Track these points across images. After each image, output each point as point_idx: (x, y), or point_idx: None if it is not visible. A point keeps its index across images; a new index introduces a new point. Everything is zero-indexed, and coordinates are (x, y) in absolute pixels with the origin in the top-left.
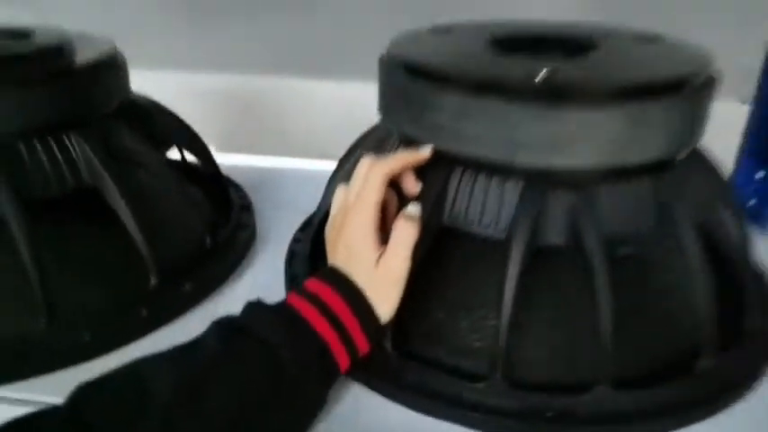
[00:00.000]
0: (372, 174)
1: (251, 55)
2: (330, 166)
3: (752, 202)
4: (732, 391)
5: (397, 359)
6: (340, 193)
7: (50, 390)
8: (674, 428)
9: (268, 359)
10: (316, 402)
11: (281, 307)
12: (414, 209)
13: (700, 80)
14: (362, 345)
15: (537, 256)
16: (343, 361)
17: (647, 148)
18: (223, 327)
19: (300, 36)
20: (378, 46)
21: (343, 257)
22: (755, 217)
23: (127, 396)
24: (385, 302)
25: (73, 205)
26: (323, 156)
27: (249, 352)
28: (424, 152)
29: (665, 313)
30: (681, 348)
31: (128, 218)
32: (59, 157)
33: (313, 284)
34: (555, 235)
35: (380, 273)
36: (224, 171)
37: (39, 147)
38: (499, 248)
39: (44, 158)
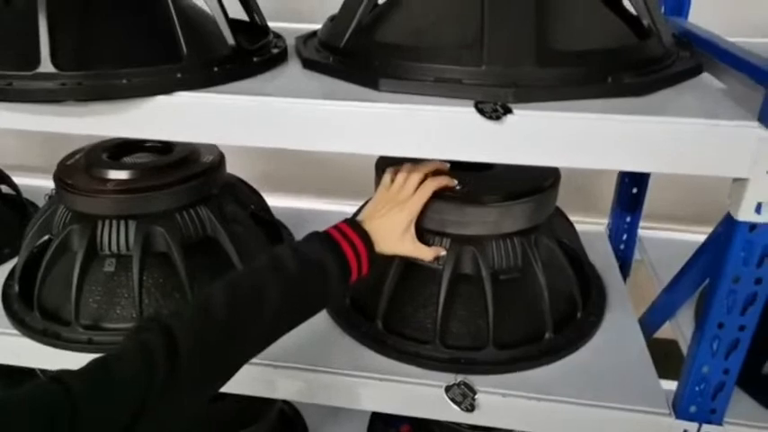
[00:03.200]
0: (426, 187)
1: None
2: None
3: None
4: (561, 353)
5: (384, 332)
6: (388, 177)
7: None
8: (526, 370)
9: (322, 271)
10: (340, 291)
11: (327, 237)
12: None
13: (548, 183)
14: (365, 267)
15: (456, 279)
16: (354, 274)
17: (515, 223)
18: (295, 252)
19: None
20: None
21: (375, 225)
22: None
23: (250, 296)
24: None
25: (204, 247)
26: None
27: (312, 268)
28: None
29: (525, 309)
30: (534, 328)
31: (232, 253)
32: (196, 220)
33: (345, 227)
34: (467, 268)
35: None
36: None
37: (186, 215)
38: (438, 274)
39: (188, 221)
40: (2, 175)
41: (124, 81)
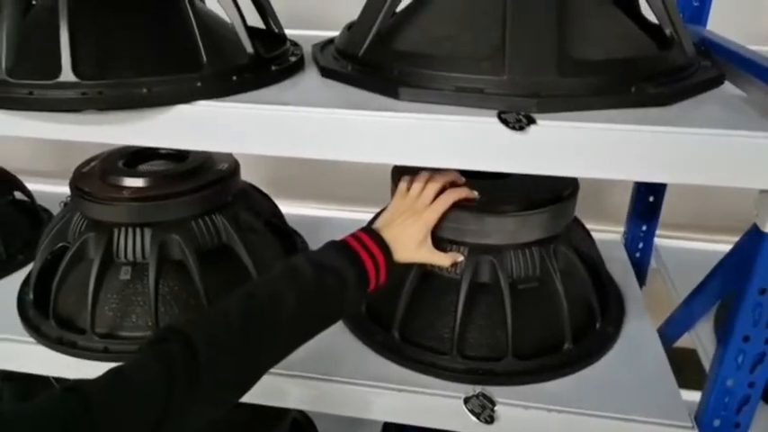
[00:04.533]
0: (445, 198)
1: None
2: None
3: None
4: (581, 364)
5: (401, 342)
6: (404, 185)
7: None
8: (546, 381)
9: (340, 279)
10: (358, 300)
11: (344, 246)
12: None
13: (567, 193)
14: (383, 276)
15: (475, 288)
16: (372, 283)
17: (534, 233)
18: (313, 261)
19: None
20: None
21: (392, 234)
22: None
23: (267, 305)
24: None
25: (219, 255)
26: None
27: (330, 277)
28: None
29: (544, 319)
30: (553, 338)
31: (248, 261)
32: (211, 228)
33: (363, 236)
34: (485, 277)
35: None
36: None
37: (201, 223)
38: (456, 283)
39: (204, 229)
40: (16, 182)
41: (144, 90)
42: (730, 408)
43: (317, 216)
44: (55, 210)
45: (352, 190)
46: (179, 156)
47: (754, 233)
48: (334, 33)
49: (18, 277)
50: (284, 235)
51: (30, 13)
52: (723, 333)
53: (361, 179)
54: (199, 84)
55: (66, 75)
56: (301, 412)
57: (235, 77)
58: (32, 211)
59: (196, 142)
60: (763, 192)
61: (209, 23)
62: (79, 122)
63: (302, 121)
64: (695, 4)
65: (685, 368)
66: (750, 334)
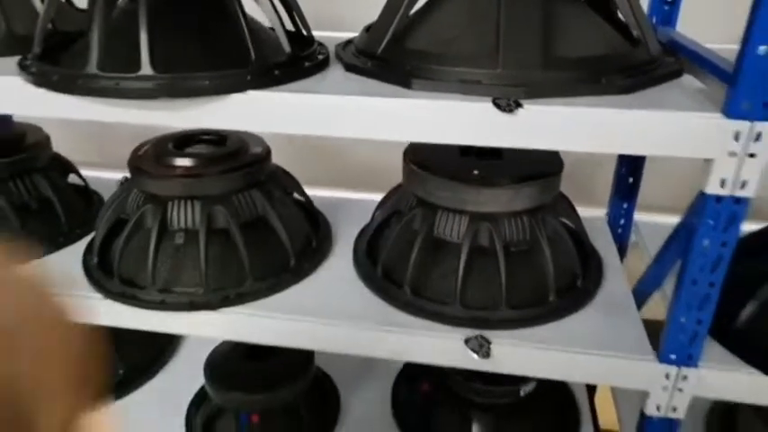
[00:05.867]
0: None
1: None
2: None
3: None
4: (563, 313)
5: (412, 296)
6: None
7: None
8: (533, 326)
9: None
10: None
11: None
12: None
13: (552, 170)
14: None
15: (474, 250)
16: None
17: (524, 202)
18: None
19: None
20: None
21: None
22: None
23: None
24: None
25: (256, 224)
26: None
27: None
28: None
29: (533, 277)
30: (540, 292)
31: (281, 231)
32: (250, 201)
33: None
34: (483, 241)
35: None
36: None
37: (241, 197)
38: (458, 247)
39: (243, 202)
40: (71, 167)
41: (207, 82)
42: (684, 341)
43: (330, 197)
44: (101, 191)
45: (362, 175)
46: (218, 141)
47: (699, 196)
48: (349, 34)
49: (77, 247)
50: (307, 209)
51: (111, 18)
52: (677, 279)
53: (370, 165)
54: (249, 77)
55: (146, 69)
56: (319, 368)
57: (276, 72)
58: (85, 193)
59: (246, 124)
60: (705, 160)
61: (255, 28)
62: (154, 108)
63: (331, 107)
64: (666, 8)
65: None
66: (697, 278)
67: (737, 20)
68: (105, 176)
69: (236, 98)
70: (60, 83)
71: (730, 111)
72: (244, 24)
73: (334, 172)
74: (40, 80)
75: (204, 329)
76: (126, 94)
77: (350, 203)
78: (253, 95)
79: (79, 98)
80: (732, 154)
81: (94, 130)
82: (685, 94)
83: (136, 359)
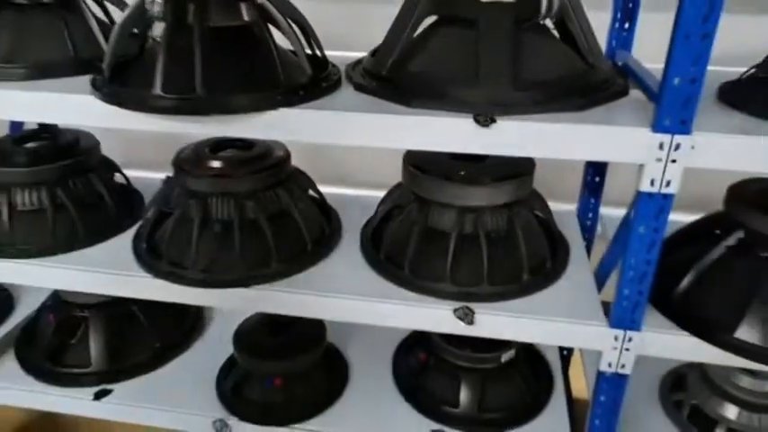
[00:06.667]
0: None
1: None
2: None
3: None
4: (534, 289)
5: (411, 276)
6: None
7: None
8: (510, 300)
9: None
10: None
11: None
12: None
13: (525, 171)
14: None
15: (461, 237)
16: None
17: (503, 197)
18: None
19: None
20: None
21: None
22: None
23: None
24: None
25: (281, 217)
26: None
27: None
28: None
29: (509, 259)
30: (515, 272)
31: (300, 221)
32: (275, 198)
33: None
34: (468, 229)
35: None
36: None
37: (268, 194)
38: (448, 235)
39: (270, 198)
40: (116, 167)
41: (246, 102)
42: (628, 309)
43: (340, 194)
44: (142, 190)
45: (367, 176)
46: (246, 146)
47: (636, 193)
48: (356, 54)
49: (125, 236)
50: (321, 204)
51: (168, 49)
52: (621, 260)
53: (374, 168)
54: (279, 97)
55: (200, 91)
56: (334, 345)
57: (301, 92)
58: (128, 190)
59: (277, 135)
60: (640, 165)
61: (282, 54)
62: (204, 122)
63: (344, 121)
64: (624, 33)
65: None
66: (636, 258)
67: None
68: (140, 175)
69: (269, 114)
70: (131, 102)
71: (656, 126)
72: (275, 53)
73: (344, 173)
74: (112, 99)
75: (237, 303)
76: (184, 110)
77: (357, 199)
78: (283, 112)
79: (146, 114)
80: (659, 160)
81: (132, 136)
82: (627, 110)
83: (170, 335)
